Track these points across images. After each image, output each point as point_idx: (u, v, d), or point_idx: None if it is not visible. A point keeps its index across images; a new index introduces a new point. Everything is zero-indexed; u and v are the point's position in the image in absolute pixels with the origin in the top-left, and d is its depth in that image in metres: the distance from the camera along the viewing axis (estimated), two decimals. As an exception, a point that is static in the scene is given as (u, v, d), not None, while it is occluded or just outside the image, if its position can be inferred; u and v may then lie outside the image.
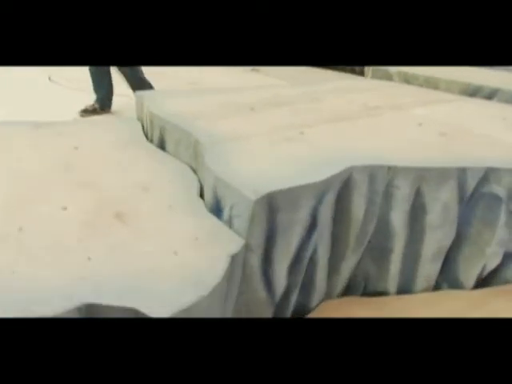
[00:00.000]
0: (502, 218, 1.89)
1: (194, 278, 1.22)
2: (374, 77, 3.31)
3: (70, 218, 1.45)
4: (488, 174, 1.82)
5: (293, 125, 1.97)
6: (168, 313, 1.11)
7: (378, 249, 1.82)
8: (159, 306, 1.13)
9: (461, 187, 1.81)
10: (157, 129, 2.02)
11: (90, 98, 3.74)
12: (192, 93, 2.45)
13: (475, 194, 1.85)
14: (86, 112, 3.61)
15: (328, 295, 1.84)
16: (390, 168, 1.68)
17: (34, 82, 4.63)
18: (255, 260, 1.48)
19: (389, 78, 3.17)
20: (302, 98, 2.38)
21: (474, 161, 1.83)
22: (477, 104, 2.55)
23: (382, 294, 1.91)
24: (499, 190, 1.85)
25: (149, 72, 3.73)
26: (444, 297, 1.94)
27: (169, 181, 1.71)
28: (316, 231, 1.60)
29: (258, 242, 1.46)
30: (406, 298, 1.91)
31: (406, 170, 1.69)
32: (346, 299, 1.88)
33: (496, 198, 1.86)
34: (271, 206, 1.45)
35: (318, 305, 1.82)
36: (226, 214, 1.50)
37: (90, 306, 1.12)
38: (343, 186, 1.66)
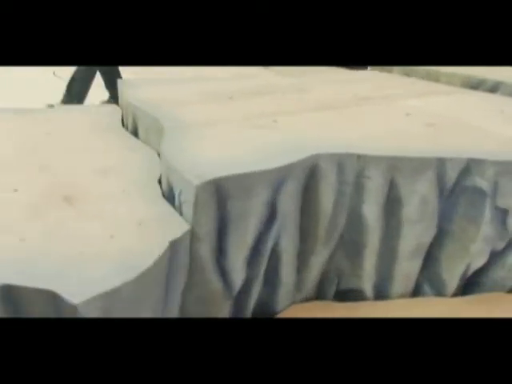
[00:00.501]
0: (487, 213, 1.77)
1: (123, 262, 1.17)
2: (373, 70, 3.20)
3: (17, 200, 1.41)
4: (470, 166, 1.70)
5: (269, 113, 1.90)
6: (86, 297, 1.06)
7: (351, 244, 1.73)
8: (79, 289, 1.07)
9: (440, 179, 1.70)
10: (130, 115, 1.98)
11: (92, 92, 3.74)
12: (174, 81, 2.41)
13: (457, 187, 1.73)
14: None
15: (299, 290, 1.76)
16: (359, 156, 1.59)
17: (38, 77, 4.67)
18: (205, 249, 1.41)
19: (389, 70, 3.05)
20: (288, 87, 2.30)
21: (456, 152, 1.72)
22: (475, 96, 2.42)
23: (357, 291, 1.81)
24: (483, 183, 1.73)
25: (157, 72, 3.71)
26: (423, 303, 1.83)
27: (132, 166, 1.66)
28: (276, 222, 1.52)
29: (207, 230, 1.39)
30: (381, 303, 1.81)
31: (378, 158, 1.60)
32: (317, 303, 1.79)
33: (480, 192, 1.74)
34: (220, 193, 1.38)
35: (289, 305, 1.74)
36: (176, 200, 1.44)
37: (7, 287, 1.08)
38: (309, 176, 1.58)
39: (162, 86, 2.24)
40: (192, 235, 1.37)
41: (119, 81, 2.32)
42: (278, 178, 1.46)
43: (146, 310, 1.19)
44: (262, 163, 1.45)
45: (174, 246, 1.26)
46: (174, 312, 1.37)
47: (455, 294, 1.91)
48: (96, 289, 1.07)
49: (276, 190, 1.47)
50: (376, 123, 1.89)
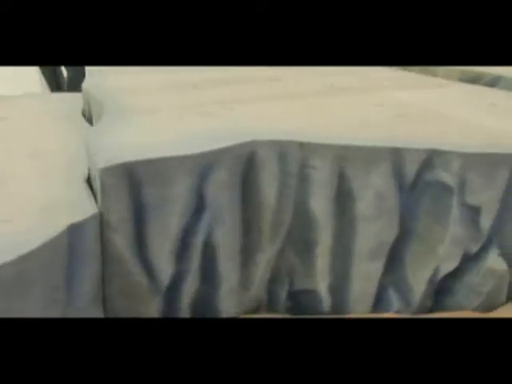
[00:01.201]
0: (455, 211, 1.60)
1: (9, 244, 1.09)
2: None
3: None
4: (432, 158, 1.55)
5: (228, 101, 1.79)
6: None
7: (301, 241, 1.60)
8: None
9: (398, 172, 1.55)
10: (87, 103, 1.91)
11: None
12: (141, 70, 2.33)
13: (419, 181, 1.58)
14: None
15: (245, 289, 1.64)
16: (302, 144, 1.46)
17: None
18: (121, 239, 1.32)
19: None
20: (262, 77, 2.19)
21: (417, 142, 1.56)
22: (468, 90, 2.23)
23: (311, 293, 1.68)
24: (448, 177, 1.57)
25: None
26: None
27: (68, 151, 1.59)
28: (206, 213, 1.41)
29: (121, 218, 1.30)
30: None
31: (323, 147, 1.47)
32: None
33: (445, 188, 1.58)
34: (134, 179, 1.28)
35: (236, 304, 1.62)
36: (94, 185, 1.35)
37: None
38: (247, 165, 1.46)
39: (129, 75, 2.17)
40: (104, 222, 1.27)
41: (87, 69, 2.26)
42: (202, 165, 1.35)
43: (36, 295, 1.11)
44: (186, 149, 1.34)
45: (74, 230, 1.18)
46: (83, 301, 1.27)
47: (424, 301, 1.74)
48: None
49: (202, 178, 1.36)
50: (341, 113, 1.76)
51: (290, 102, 1.82)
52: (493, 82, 2.39)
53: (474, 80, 2.46)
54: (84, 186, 1.38)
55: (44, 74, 3.52)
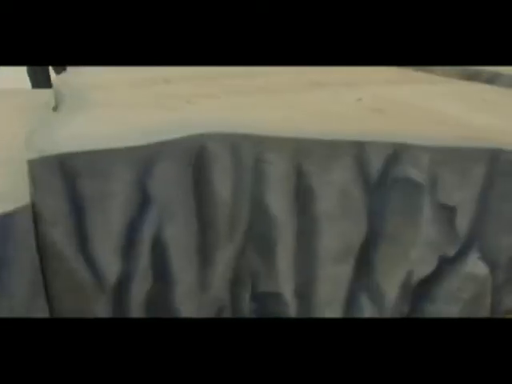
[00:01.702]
0: (427, 211, 1.50)
1: None
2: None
3: None
4: (398, 153, 1.45)
5: (192, 95, 1.73)
6: None
7: (261, 239, 1.52)
8: None
9: (362, 168, 1.46)
10: (55, 98, 1.89)
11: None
12: (119, 68, 2.30)
13: (386, 178, 1.48)
14: None
15: (204, 289, 1.57)
16: (255, 137, 1.39)
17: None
18: (59, 234, 1.27)
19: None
20: (239, 73, 2.12)
21: (383, 136, 1.47)
22: (462, 86, 2.11)
23: (276, 295, 1.59)
24: (418, 174, 1.47)
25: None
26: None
27: (17, 142, 1.56)
28: (152, 208, 1.35)
29: (57, 211, 1.25)
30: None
31: (278, 140, 1.39)
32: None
33: (415, 185, 1.47)
34: (69, 172, 1.23)
35: (196, 305, 1.55)
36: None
37: None
38: (198, 159, 1.40)
39: (104, 72, 2.14)
40: (37, 216, 1.23)
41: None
42: (145, 158, 1.29)
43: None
44: (129, 141, 1.29)
45: (3, 220, 1.13)
46: (19, 293, 1.23)
47: (399, 307, 1.64)
48: None
49: (145, 172, 1.31)
50: (312, 108, 1.68)
51: (262, 97, 1.75)
52: (491, 80, 2.26)
53: (472, 77, 2.33)
54: (24, 178, 1.34)
55: (28, 70, 3.56)
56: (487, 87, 2.12)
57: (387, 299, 1.61)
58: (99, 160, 1.25)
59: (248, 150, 1.40)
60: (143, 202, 1.34)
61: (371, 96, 1.82)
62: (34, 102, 2.00)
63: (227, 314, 1.63)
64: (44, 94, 2.15)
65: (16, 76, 4.27)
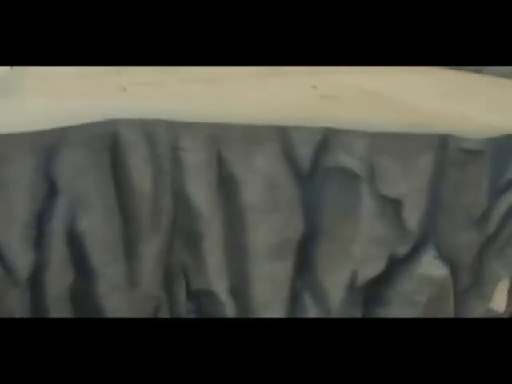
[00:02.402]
0: (368, 204, 1.37)
1: None
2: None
3: None
4: (329, 139, 1.32)
5: (135, 84, 1.67)
6: None
7: (188, 232, 1.43)
8: None
9: (289, 156, 1.34)
10: None
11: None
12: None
13: (317, 166, 1.36)
14: None
15: (133, 285, 1.49)
16: (169, 123, 1.31)
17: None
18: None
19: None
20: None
21: (318, 122, 1.35)
22: (447, 75, 1.93)
23: (210, 294, 1.50)
24: (353, 162, 1.33)
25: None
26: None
27: None
28: (61, 198, 1.30)
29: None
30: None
31: (192, 126, 1.30)
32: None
33: (350, 175, 1.34)
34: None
35: (125, 302, 1.49)
36: None
37: None
38: (113, 147, 1.33)
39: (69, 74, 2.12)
40: None
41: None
42: (48, 144, 1.24)
43: None
44: (30, 127, 1.24)
45: None
46: None
47: (349, 309, 1.50)
48: None
49: (49, 159, 1.25)
50: (255, 95, 1.58)
51: (208, 85, 1.66)
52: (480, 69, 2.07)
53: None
54: None
55: None
56: (474, 76, 1.93)
57: (332, 300, 1.48)
58: (-3, 145, 1.20)
59: (164, 137, 1.32)
60: (51, 190, 1.29)
61: (329, 83, 1.69)
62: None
63: (164, 314, 1.55)
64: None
65: None
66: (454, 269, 1.48)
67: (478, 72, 2.08)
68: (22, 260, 1.32)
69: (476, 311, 1.52)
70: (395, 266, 1.46)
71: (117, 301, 1.47)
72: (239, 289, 1.48)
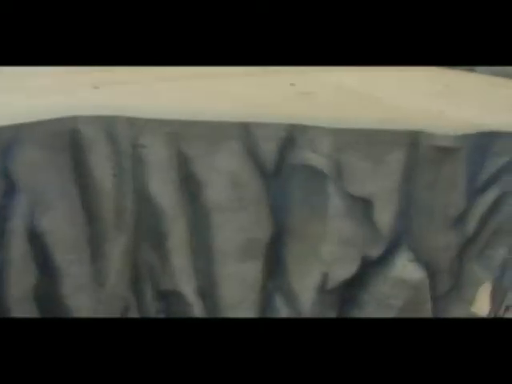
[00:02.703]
0: (336, 203, 1.31)
1: None
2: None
3: None
4: (294, 136, 1.26)
5: (108, 83, 1.64)
6: None
7: (152, 232, 1.39)
8: None
9: (252, 153, 1.29)
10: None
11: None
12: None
13: (282, 165, 1.30)
14: None
15: (100, 284, 1.46)
16: (129, 120, 1.26)
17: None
18: None
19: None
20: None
21: (283, 118, 1.29)
22: (437, 73, 1.86)
23: (177, 295, 1.46)
24: (319, 160, 1.27)
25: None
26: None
27: None
28: (19, 196, 1.27)
29: None
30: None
31: (152, 123, 1.26)
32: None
33: (316, 173, 1.28)
34: None
35: (94, 301, 1.46)
36: None
37: None
38: (74, 145, 1.30)
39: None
40: None
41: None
42: (2, 142, 1.21)
43: None
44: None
45: None
46: None
47: (322, 311, 1.45)
48: None
49: (5, 158, 1.22)
50: (233, 92, 1.53)
51: (188, 82, 1.62)
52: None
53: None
54: None
55: None
56: (464, 74, 1.85)
57: (302, 302, 1.42)
58: None
59: (124, 134, 1.28)
60: (9, 188, 1.26)
61: (308, 81, 1.64)
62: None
63: (133, 314, 1.51)
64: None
65: None
66: (432, 272, 1.41)
67: (471, 71, 2.01)
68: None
69: (457, 315, 1.45)
70: (369, 268, 1.40)
71: (83, 301, 1.43)
72: (207, 289, 1.44)
